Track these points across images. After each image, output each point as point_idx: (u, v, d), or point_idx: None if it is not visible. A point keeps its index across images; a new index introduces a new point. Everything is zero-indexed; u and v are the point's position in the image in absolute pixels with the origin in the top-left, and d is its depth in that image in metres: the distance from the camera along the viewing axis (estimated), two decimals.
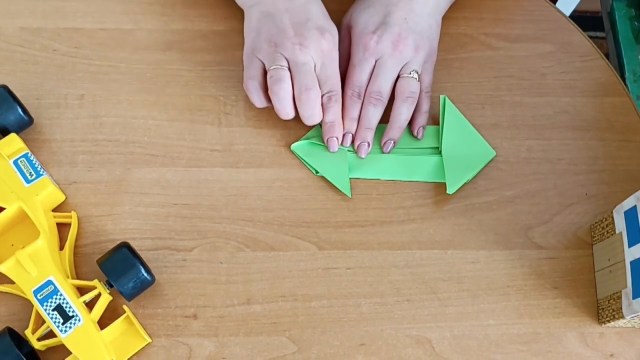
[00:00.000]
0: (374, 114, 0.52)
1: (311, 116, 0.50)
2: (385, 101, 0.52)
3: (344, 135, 0.52)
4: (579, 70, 0.57)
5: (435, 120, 0.55)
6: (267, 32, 0.50)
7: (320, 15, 0.51)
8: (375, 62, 0.52)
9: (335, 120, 0.51)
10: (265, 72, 0.51)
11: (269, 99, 0.51)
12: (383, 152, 0.53)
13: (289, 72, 0.50)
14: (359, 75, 0.52)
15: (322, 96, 0.51)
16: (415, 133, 0.53)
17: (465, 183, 0.52)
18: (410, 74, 0.52)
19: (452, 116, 0.54)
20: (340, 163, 0.52)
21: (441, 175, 0.52)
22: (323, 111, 0.51)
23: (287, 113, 0.51)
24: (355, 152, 0.52)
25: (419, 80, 0.52)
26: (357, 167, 0.52)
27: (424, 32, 0.52)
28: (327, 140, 0.52)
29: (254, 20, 0.52)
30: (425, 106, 0.53)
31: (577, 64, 0.57)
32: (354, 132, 0.52)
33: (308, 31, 0.50)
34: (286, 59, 0.50)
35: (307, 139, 0.53)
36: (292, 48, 0.49)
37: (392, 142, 0.52)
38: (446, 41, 0.57)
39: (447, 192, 0.51)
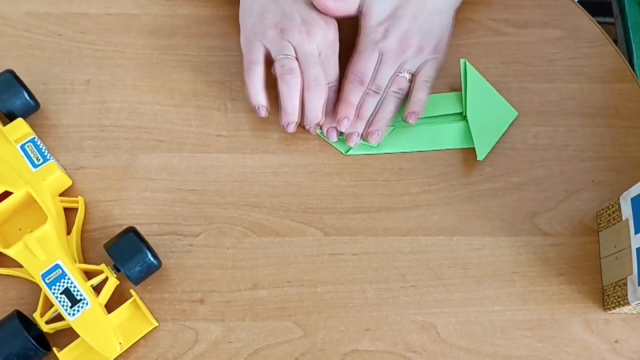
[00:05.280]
0: (371, 106, 0.52)
1: (315, 108, 0.50)
2: (382, 95, 0.52)
3: (339, 120, 0.51)
4: (587, 56, 0.57)
5: (454, 86, 0.54)
6: (273, 17, 0.50)
7: None
8: (379, 54, 0.51)
9: (331, 109, 0.52)
10: (267, 59, 0.51)
11: (265, 94, 0.51)
12: (407, 125, 0.53)
13: (297, 63, 0.50)
14: (365, 63, 0.51)
15: None
16: (406, 118, 0.52)
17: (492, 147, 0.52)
18: (403, 73, 0.52)
19: (474, 80, 0.54)
20: None
21: (468, 141, 0.52)
22: None
23: (292, 105, 0.50)
24: (345, 139, 0.52)
25: (409, 80, 0.52)
26: (384, 141, 0.52)
27: (431, 31, 0.52)
28: (327, 131, 0.52)
29: (257, 5, 0.51)
30: (420, 94, 0.52)
31: (586, 50, 0.57)
32: (351, 117, 0.51)
33: (315, 20, 0.50)
34: (293, 46, 0.49)
35: None
36: (299, 36, 0.49)
37: (378, 132, 0.51)
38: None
39: (477, 158, 0.51)
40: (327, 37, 0.50)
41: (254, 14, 0.51)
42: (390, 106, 0.52)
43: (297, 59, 0.50)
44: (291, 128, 0.51)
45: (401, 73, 0.52)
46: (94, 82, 0.55)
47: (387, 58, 0.51)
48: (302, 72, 0.50)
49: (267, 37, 0.50)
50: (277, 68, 0.50)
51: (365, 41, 0.52)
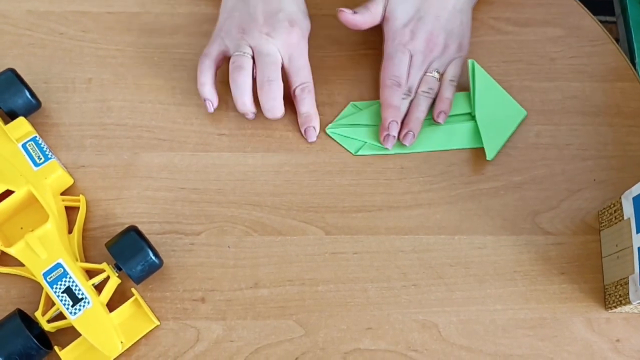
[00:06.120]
0: (404, 108, 0.52)
1: (272, 108, 0.50)
2: (414, 96, 0.53)
3: (389, 125, 0.51)
4: (588, 54, 0.57)
5: (463, 86, 0.54)
6: (239, 17, 0.51)
7: (293, 8, 0.51)
8: (410, 56, 0.52)
9: (311, 111, 0.52)
10: (224, 57, 0.51)
11: (212, 88, 0.51)
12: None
13: (251, 61, 0.50)
14: (399, 66, 0.52)
15: (294, 89, 0.51)
16: (435, 117, 0.53)
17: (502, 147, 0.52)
18: (432, 72, 0.53)
19: (482, 80, 0.54)
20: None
21: (477, 141, 0.52)
22: (297, 103, 0.52)
23: (243, 102, 0.50)
24: (381, 142, 0.52)
25: (438, 80, 0.53)
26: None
27: (454, 30, 0.53)
28: (305, 130, 0.52)
29: (230, 2, 0.52)
30: (447, 93, 0.53)
31: (587, 49, 0.57)
32: (399, 120, 0.51)
33: (278, 22, 0.50)
34: (251, 47, 0.50)
35: (340, 124, 0.53)
36: (258, 37, 0.50)
37: (412, 133, 0.52)
38: None
39: (486, 158, 0.51)
40: (290, 39, 0.50)
41: (225, 12, 0.52)
42: (422, 106, 0.52)
43: (254, 58, 0.50)
44: (250, 116, 0.52)
45: (430, 73, 0.53)
46: (95, 81, 0.55)
47: (416, 59, 0.52)
48: (257, 72, 0.50)
49: (229, 35, 0.51)
50: (229, 65, 0.50)
51: (394, 44, 0.52)
